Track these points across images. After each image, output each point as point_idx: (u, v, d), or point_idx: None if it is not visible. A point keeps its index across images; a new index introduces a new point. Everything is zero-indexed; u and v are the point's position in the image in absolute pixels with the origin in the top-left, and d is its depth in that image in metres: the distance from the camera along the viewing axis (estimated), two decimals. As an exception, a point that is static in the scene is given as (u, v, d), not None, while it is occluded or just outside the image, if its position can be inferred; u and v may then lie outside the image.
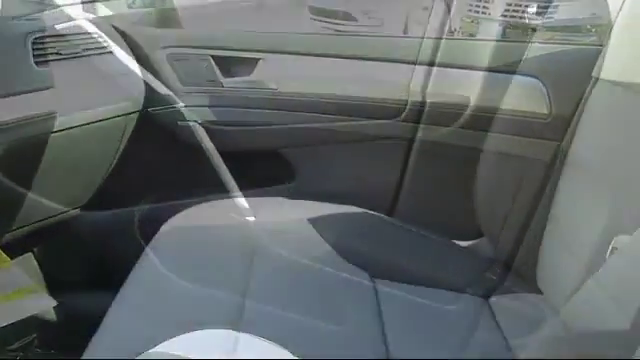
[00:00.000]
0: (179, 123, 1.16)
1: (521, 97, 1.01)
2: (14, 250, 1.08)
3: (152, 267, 0.86)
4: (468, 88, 1.13)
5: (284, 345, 0.70)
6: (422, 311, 0.92)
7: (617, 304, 0.61)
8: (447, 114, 1.15)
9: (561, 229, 0.89)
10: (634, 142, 0.75)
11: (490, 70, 1.09)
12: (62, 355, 1.15)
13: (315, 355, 0.72)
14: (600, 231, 0.77)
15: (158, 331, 0.69)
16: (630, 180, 0.74)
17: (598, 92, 0.86)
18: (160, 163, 1.23)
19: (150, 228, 1.00)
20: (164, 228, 0.97)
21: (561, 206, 0.90)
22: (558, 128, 0.93)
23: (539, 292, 0.93)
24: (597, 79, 0.87)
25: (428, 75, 1.14)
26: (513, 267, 0.98)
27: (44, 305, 1.07)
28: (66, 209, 1.19)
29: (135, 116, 1.16)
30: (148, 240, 0.97)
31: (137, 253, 0.95)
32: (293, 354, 0.69)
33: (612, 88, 0.84)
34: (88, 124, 1.11)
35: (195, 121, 1.16)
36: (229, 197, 1.11)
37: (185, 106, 1.14)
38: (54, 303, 1.06)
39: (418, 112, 1.16)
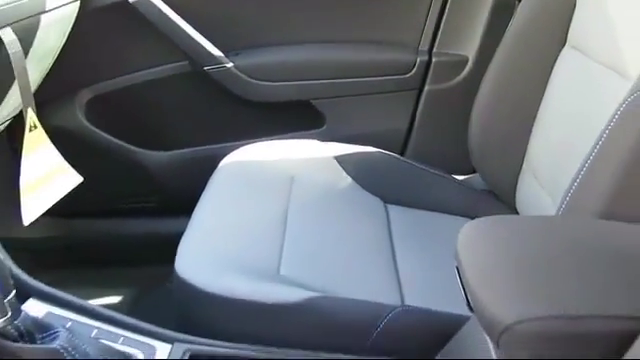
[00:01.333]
0: (229, 79, 1.39)
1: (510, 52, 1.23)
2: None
3: (215, 196, 1.12)
4: (467, 48, 1.40)
5: (314, 255, 0.96)
6: (424, 228, 1.17)
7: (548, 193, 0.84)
8: (449, 70, 1.40)
9: (532, 165, 1.12)
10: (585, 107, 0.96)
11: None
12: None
13: (336, 263, 0.95)
14: (558, 163, 1.01)
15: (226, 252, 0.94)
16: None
17: (564, 56, 1.08)
18: (213, 113, 1.46)
19: (207, 166, 1.24)
20: (221, 165, 1.20)
21: (534, 150, 1.13)
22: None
23: (516, 213, 1.17)
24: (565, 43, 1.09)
25: (433, 39, 1.40)
26: (498, 194, 1.22)
27: (74, 182, 1.16)
28: (138, 149, 1.48)
29: (192, 73, 1.40)
30: (205, 175, 1.24)
31: (195, 185, 1.23)
32: (319, 266, 0.94)
33: (573, 52, 1.06)
34: (155, 79, 1.40)
35: (242, 77, 1.40)
36: (271, 139, 1.34)
37: (234, 65, 1.38)
38: (80, 179, 1.16)
39: (425, 69, 1.41)
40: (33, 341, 0.63)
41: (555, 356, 0.51)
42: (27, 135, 1.03)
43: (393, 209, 1.18)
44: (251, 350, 0.76)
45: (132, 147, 1.44)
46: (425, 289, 0.89)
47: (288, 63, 1.41)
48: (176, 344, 0.75)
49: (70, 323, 0.68)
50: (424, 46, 1.42)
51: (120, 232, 1.52)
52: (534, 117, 1.12)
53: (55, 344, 0.62)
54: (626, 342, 0.46)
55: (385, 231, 1.09)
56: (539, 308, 0.50)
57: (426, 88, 1.42)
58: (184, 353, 0.74)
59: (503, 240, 0.61)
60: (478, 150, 1.21)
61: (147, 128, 1.46)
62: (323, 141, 1.32)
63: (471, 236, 0.62)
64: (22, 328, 0.62)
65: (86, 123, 1.40)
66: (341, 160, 1.24)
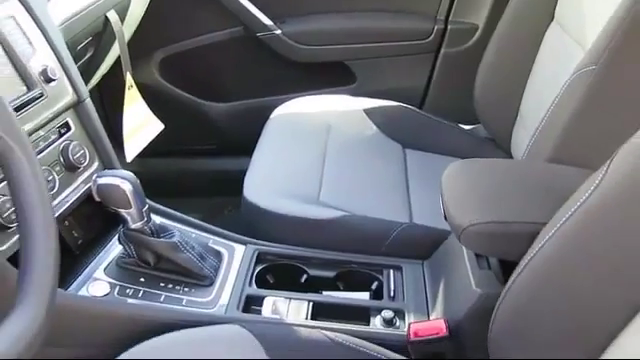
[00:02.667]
0: (277, 43, 1.66)
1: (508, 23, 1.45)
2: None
3: (270, 140, 1.37)
4: (478, 17, 1.64)
5: (345, 186, 1.23)
6: (433, 168, 1.42)
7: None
8: (462, 36, 1.64)
9: (523, 118, 1.37)
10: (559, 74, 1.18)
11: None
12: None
13: (361, 191, 1.20)
14: (539, 118, 1.26)
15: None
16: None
17: (550, 30, 1.32)
18: (263, 71, 1.73)
19: (258, 115, 1.50)
20: (273, 116, 1.45)
21: (525, 106, 1.37)
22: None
23: (511, 157, 1.43)
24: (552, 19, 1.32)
25: (449, 9, 1.65)
26: (496, 142, 1.48)
27: (158, 128, 1.37)
28: (202, 101, 1.77)
29: (247, 38, 1.68)
30: (256, 123, 1.46)
31: (247, 132, 1.47)
32: (348, 194, 1.21)
33: (557, 27, 1.29)
34: (216, 42, 1.68)
35: (288, 42, 1.65)
36: (312, 94, 1.58)
37: (282, 32, 1.65)
38: (162, 126, 1.37)
39: (442, 35, 1.65)
40: (159, 238, 0.95)
41: (498, 247, 0.81)
42: (127, 93, 1.33)
43: (410, 152, 1.42)
44: (299, 250, 1.07)
45: (197, 99, 1.74)
46: (429, 211, 1.14)
47: (326, 30, 1.67)
48: (248, 245, 1.07)
49: (178, 229, 1.00)
50: (441, 15, 1.66)
51: (188, 169, 1.81)
52: (526, 79, 1.34)
53: (174, 239, 0.95)
54: (527, 240, 0.73)
55: (402, 169, 1.36)
56: (484, 216, 0.79)
57: (442, 52, 1.67)
58: (254, 252, 1.06)
59: (472, 176, 0.90)
60: (481, 104, 1.44)
61: (209, 83, 1.75)
62: (354, 96, 1.56)
63: (452, 172, 0.91)
64: (153, 228, 0.94)
65: (160, 79, 1.70)
66: (368, 112, 1.48)
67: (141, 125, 1.38)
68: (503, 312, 0.73)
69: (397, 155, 1.40)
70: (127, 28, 1.44)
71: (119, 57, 1.34)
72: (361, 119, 1.47)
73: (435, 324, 0.83)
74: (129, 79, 1.34)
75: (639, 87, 0.90)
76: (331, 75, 1.72)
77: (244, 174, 1.24)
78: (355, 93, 1.61)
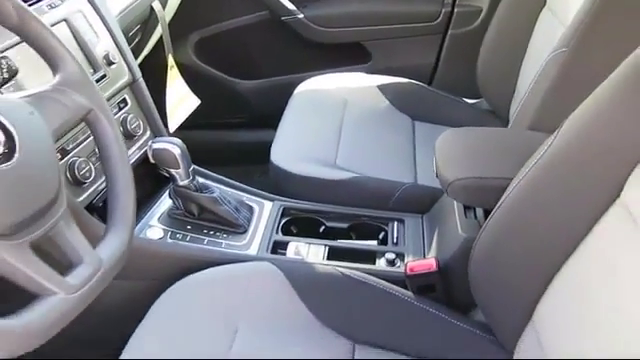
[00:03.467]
0: (300, 26, 1.84)
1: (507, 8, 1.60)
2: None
3: (294, 113, 1.54)
4: (482, 0, 1.80)
5: (358, 152, 1.41)
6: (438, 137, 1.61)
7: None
8: (467, 18, 1.81)
9: (520, 93, 1.53)
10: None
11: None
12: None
13: (372, 157, 1.37)
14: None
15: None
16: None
17: (543, 14, 1.47)
18: (287, 51, 1.91)
19: (282, 91, 1.68)
20: (296, 92, 1.62)
21: (521, 82, 1.52)
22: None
23: (508, 122, 1.57)
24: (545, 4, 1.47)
25: None
26: (495, 114, 1.63)
27: (195, 103, 1.50)
28: (232, 78, 1.97)
29: (272, 21, 1.87)
30: (281, 98, 1.64)
31: (273, 106, 1.66)
32: (360, 158, 1.39)
33: (548, 12, 1.45)
34: (245, 25, 1.86)
35: (310, 25, 1.83)
36: (331, 72, 1.76)
37: (304, 16, 1.83)
38: (198, 101, 1.50)
39: (449, 17, 1.82)
40: (202, 193, 1.15)
41: (477, 198, 0.99)
42: (169, 72, 1.53)
43: (418, 124, 1.59)
44: (317, 206, 1.26)
45: (228, 77, 1.94)
46: (431, 174, 1.28)
47: (344, 13, 1.84)
48: (275, 202, 1.26)
49: (217, 187, 1.20)
50: (448, -1, 1.82)
51: (220, 140, 2.01)
52: (522, 59, 1.49)
53: (214, 194, 1.15)
54: (500, 192, 0.91)
55: (410, 139, 1.53)
56: (466, 173, 0.98)
57: (449, 33, 1.84)
58: (280, 207, 1.25)
59: (460, 141, 1.08)
60: (483, 81, 1.60)
61: (239, 63, 1.94)
62: (369, 73, 1.73)
63: (444, 138, 1.09)
64: (197, 185, 1.14)
65: (195, 59, 1.90)
66: (381, 88, 1.65)
67: (181, 100, 1.58)
68: (479, 247, 0.92)
69: (406, 126, 1.58)
70: (167, 15, 1.63)
71: (158, 41, 1.53)
72: (375, 94, 1.64)
73: (427, 262, 1.02)
74: (170, 60, 1.53)
75: (605, 68, 1.06)
76: (348, 54, 1.89)
77: (270, 144, 1.42)
78: (370, 71, 1.78)
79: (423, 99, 1.67)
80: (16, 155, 0.62)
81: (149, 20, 1.48)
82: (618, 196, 0.74)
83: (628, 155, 0.73)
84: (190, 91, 1.59)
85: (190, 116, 1.53)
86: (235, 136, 2.01)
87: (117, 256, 0.72)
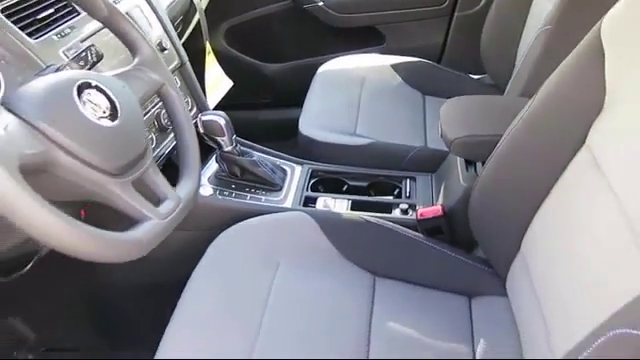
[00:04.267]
0: (320, 13, 2.03)
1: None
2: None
3: (318, 90, 1.75)
4: None
5: (375, 121, 1.62)
6: None
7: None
8: (471, 1, 1.98)
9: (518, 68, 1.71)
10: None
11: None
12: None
13: (387, 125, 1.61)
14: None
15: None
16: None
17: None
18: (309, 36, 2.11)
19: (305, 73, 1.88)
20: (318, 72, 1.82)
21: (519, 58, 1.71)
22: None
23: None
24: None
25: None
26: (498, 87, 1.81)
27: (228, 85, 1.69)
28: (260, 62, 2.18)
29: (295, 9, 2.07)
30: (305, 79, 1.85)
31: (298, 86, 1.88)
32: (377, 126, 1.60)
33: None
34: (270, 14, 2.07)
35: (329, 11, 2.03)
36: (348, 54, 1.95)
37: (324, 4, 2.03)
38: (231, 83, 1.69)
39: (455, 1, 2.00)
40: (243, 157, 1.36)
41: (474, 153, 1.19)
42: (207, 57, 1.74)
43: (428, 98, 1.77)
44: (341, 168, 1.47)
45: (256, 61, 2.14)
46: (439, 138, 1.50)
47: (359, 0, 2.03)
48: (304, 165, 1.47)
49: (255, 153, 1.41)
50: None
51: (250, 118, 2.17)
52: (519, 37, 1.66)
53: (254, 158, 1.36)
54: (493, 147, 1.10)
55: (421, 110, 1.72)
56: (464, 132, 1.18)
57: (455, 15, 2.03)
58: (308, 169, 1.46)
59: (461, 107, 1.28)
60: (486, 57, 1.78)
61: (265, 48, 2.14)
62: (383, 54, 1.93)
63: (448, 104, 1.29)
64: (239, 151, 1.36)
65: (226, 45, 2.11)
66: (395, 67, 1.84)
67: (216, 82, 1.79)
68: (476, 192, 1.12)
69: (417, 100, 1.77)
70: (204, 4, 1.84)
71: (193, 29, 1.74)
72: (389, 72, 1.84)
73: (435, 208, 1.23)
74: (208, 46, 1.74)
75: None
76: (364, 38, 2.10)
77: (295, 121, 1.61)
78: (384, 52, 1.99)
79: (432, 76, 1.85)
80: (118, 117, 0.83)
81: (188, 11, 1.69)
82: (584, 142, 0.94)
83: (590, 108, 0.92)
84: (224, 74, 1.80)
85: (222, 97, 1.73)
86: (263, 115, 2.21)
87: (191, 194, 0.93)
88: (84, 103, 0.80)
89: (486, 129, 1.17)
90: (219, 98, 1.74)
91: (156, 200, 0.87)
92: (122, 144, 0.83)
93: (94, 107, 0.81)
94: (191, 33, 1.81)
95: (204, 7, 1.90)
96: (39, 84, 0.79)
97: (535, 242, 1.02)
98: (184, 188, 0.93)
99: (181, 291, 1.08)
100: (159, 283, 1.25)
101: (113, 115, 0.83)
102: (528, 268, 1.03)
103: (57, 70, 0.92)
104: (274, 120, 2.18)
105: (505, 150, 1.06)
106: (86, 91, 0.81)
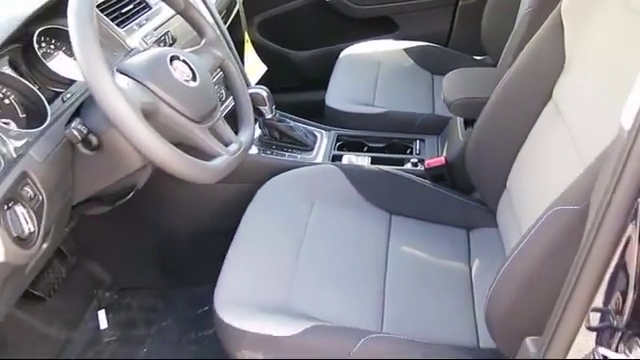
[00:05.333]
0: (341, 5, 2.32)
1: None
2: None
3: (341, 73, 2.05)
4: None
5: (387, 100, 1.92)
6: None
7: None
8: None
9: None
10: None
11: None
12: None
13: (398, 97, 1.92)
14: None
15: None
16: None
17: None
18: (331, 26, 2.39)
19: (329, 59, 2.18)
20: (340, 57, 2.11)
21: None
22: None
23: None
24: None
25: None
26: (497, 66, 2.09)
27: (262, 70, 1.97)
28: (288, 50, 2.48)
29: (319, 4, 2.36)
30: (328, 65, 2.16)
31: (321, 72, 2.18)
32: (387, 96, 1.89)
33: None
34: (297, 7, 2.36)
35: (348, 4, 2.33)
36: (366, 41, 2.23)
37: (344, -4, 2.32)
38: (265, 68, 1.98)
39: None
40: (282, 123, 1.66)
41: (470, 112, 1.47)
42: (245, 45, 2.04)
43: (436, 77, 2.05)
44: (361, 132, 1.76)
45: (284, 49, 2.44)
46: (444, 106, 1.82)
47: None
48: (331, 131, 1.76)
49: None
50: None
51: (279, 101, 2.46)
52: (514, 21, 1.95)
53: (290, 124, 1.66)
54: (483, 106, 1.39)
55: (430, 86, 2.03)
56: (461, 95, 1.46)
57: (459, 4, 2.29)
58: (334, 134, 1.75)
59: (460, 76, 1.56)
60: (486, 40, 2.04)
61: (293, 37, 2.43)
62: (396, 40, 2.22)
63: (450, 75, 1.57)
64: (278, 118, 1.65)
65: (259, 36, 2.41)
66: (407, 51, 2.13)
67: (253, 66, 2.09)
68: (470, 144, 1.40)
69: (427, 79, 2.06)
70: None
71: (232, 21, 2.04)
72: (402, 56, 2.13)
73: (439, 159, 1.52)
74: (246, 36, 2.04)
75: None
76: (380, 26, 2.38)
77: (320, 102, 1.88)
78: (397, 38, 2.26)
79: (440, 58, 2.13)
80: (197, 80, 1.13)
81: (229, 5, 1.99)
82: (550, 96, 1.22)
83: (554, 69, 1.20)
84: (259, 59, 2.11)
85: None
86: (292, 97, 2.42)
87: (249, 141, 1.23)
88: (175, 69, 1.10)
89: (479, 92, 1.45)
90: (255, 81, 2.04)
91: (225, 142, 1.17)
92: (202, 99, 1.13)
93: (181, 72, 1.11)
94: (230, 25, 2.10)
95: (241, 2, 2.20)
96: (143, 56, 1.10)
97: (516, 178, 1.30)
98: (244, 135, 1.23)
99: (233, 235, 1.32)
100: (215, 229, 1.52)
101: (194, 79, 1.13)
102: (511, 201, 1.31)
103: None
104: (302, 101, 2.42)
105: (491, 108, 1.34)
106: (175, 61, 1.11)
